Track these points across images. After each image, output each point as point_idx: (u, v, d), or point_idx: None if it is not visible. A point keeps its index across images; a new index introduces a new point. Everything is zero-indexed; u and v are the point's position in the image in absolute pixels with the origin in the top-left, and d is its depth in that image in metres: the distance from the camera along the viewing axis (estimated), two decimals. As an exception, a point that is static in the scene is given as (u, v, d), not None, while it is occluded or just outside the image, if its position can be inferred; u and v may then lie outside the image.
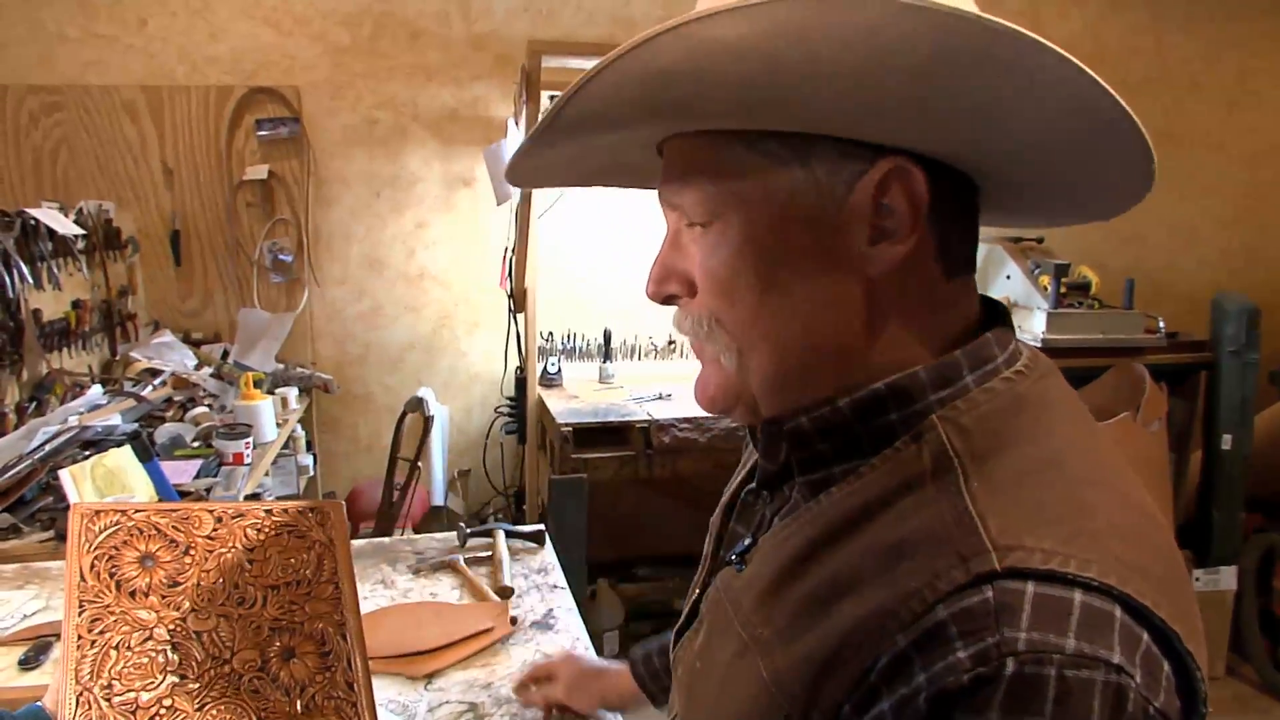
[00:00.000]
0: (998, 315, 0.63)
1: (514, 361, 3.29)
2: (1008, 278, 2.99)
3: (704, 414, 0.67)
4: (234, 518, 0.80)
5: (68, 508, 0.98)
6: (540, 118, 0.58)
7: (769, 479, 0.66)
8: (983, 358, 0.58)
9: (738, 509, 0.72)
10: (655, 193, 0.66)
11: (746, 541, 0.67)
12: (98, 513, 0.78)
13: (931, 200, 0.56)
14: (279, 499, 2.51)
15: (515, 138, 2.83)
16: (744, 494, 0.71)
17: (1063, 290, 2.83)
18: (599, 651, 1.28)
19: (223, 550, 0.79)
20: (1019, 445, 0.55)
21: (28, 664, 1.18)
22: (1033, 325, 2.82)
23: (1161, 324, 2.89)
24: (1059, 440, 0.56)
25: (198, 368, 2.80)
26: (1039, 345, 2.75)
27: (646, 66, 0.51)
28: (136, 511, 0.78)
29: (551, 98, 2.98)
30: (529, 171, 0.70)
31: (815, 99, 0.52)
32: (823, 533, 0.57)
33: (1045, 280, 2.85)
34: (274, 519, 0.80)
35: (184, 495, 1.92)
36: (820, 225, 0.57)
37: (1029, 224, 0.77)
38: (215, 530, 0.79)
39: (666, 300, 0.65)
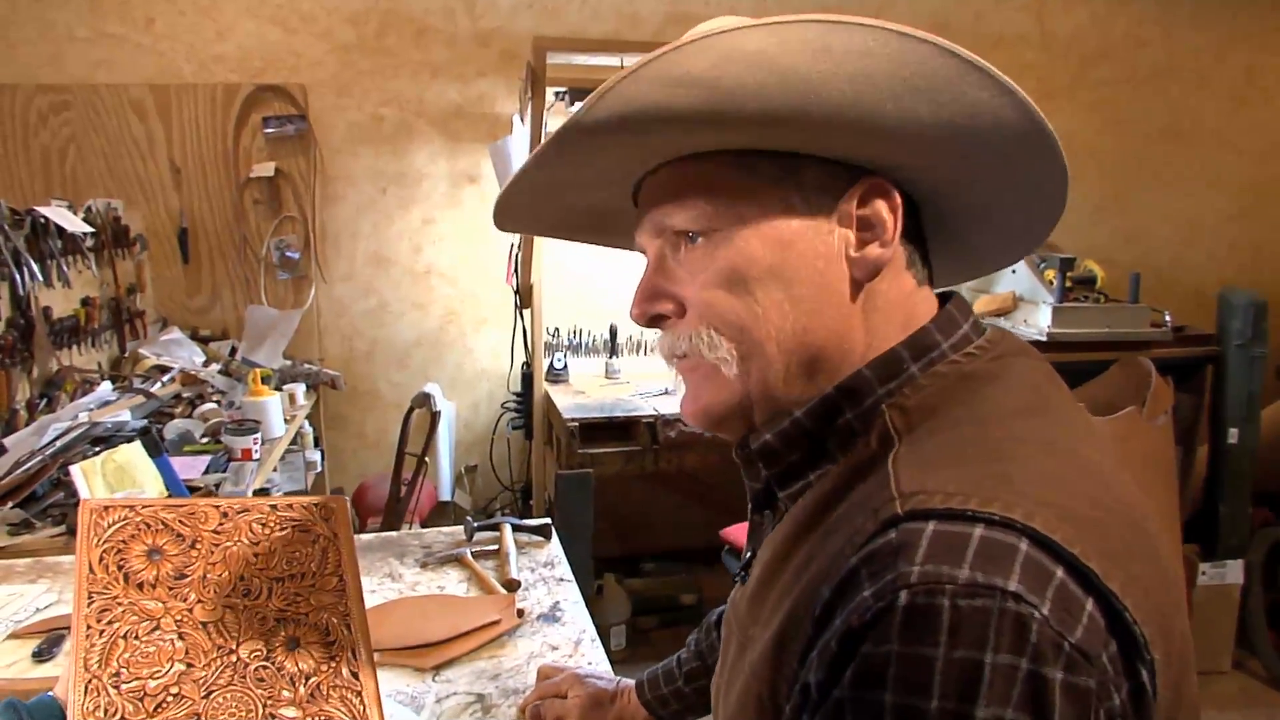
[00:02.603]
0: (946, 304, 0.66)
1: (520, 357, 3.30)
2: (1013, 272, 2.98)
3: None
4: (239, 513, 0.81)
5: (78, 503, 0.99)
6: (563, 121, 0.63)
7: (760, 499, 0.69)
8: (925, 346, 0.62)
9: (750, 531, 0.76)
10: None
11: (748, 555, 0.71)
12: (106, 508, 0.79)
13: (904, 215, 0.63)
14: (287, 494, 2.53)
15: (520, 134, 2.83)
16: (751, 515, 0.75)
17: (1068, 285, 2.82)
18: (605, 646, 1.28)
19: (229, 544, 0.80)
20: (947, 411, 0.58)
21: (41, 656, 1.20)
22: (1038, 319, 2.82)
23: (1168, 318, 2.88)
24: (990, 405, 0.59)
25: (206, 364, 2.82)
26: (1044, 339, 2.74)
27: (672, 71, 0.57)
28: (144, 507, 0.80)
29: (557, 94, 2.99)
30: (521, 205, 0.75)
31: (813, 115, 0.57)
32: (795, 530, 0.61)
33: (1051, 275, 2.85)
34: (279, 514, 0.82)
35: (193, 490, 1.94)
36: (812, 236, 0.62)
37: (972, 268, 0.80)
38: (221, 525, 0.81)
39: (653, 321, 0.68)
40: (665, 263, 0.67)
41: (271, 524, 0.82)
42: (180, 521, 0.80)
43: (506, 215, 0.76)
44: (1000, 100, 0.56)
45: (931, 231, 0.69)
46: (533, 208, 0.78)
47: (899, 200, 0.62)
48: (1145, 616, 0.50)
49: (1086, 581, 0.49)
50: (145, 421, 2.13)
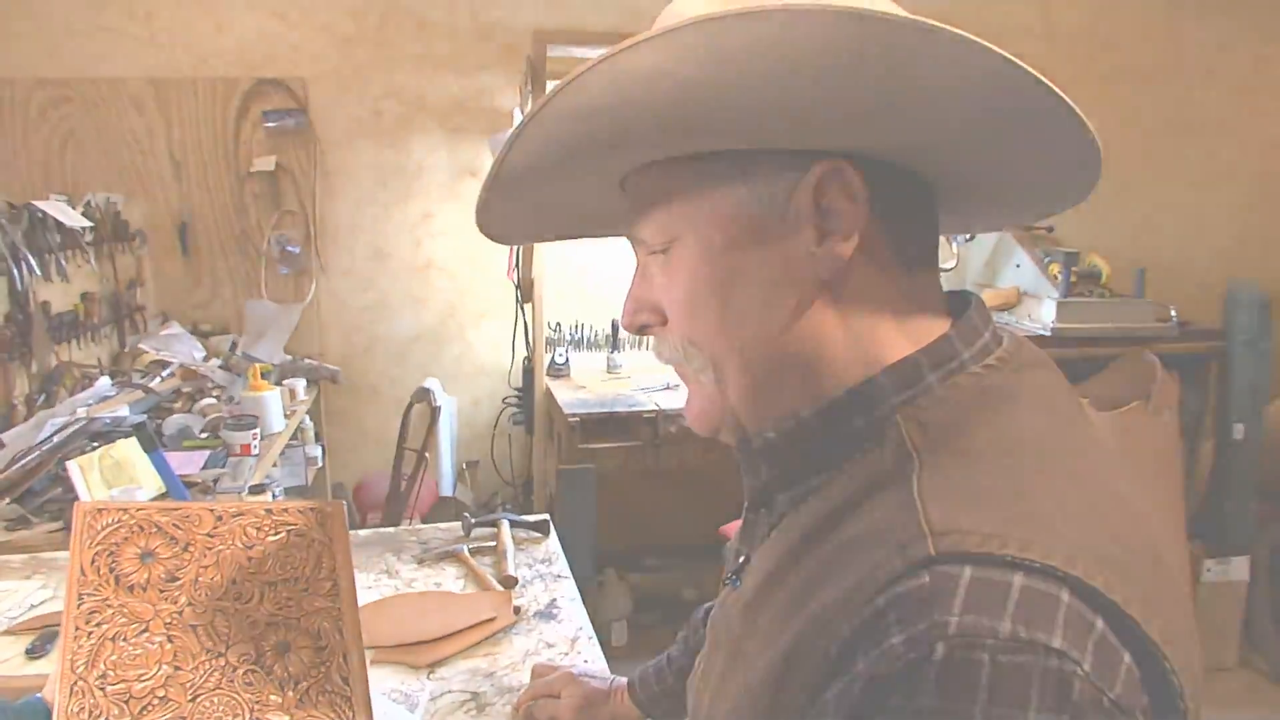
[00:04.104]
0: (968, 309, 0.62)
1: (521, 352, 3.29)
2: (1017, 266, 2.97)
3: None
4: (234, 516, 0.80)
5: (75, 499, 0.98)
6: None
7: (758, 496, 0.66)
8: (945, 355, 0.58)
9: (742, 529, 0.73)
10: None
11: (742, 559, 0.68)
12: (100, 510, 0.79)
13: (876, 198, 0.57)
14: (287, 490, 2.53)
15: (521, 128, 2.82)
16: (745, 513, 0.72)
17: (1073, 279, 2.81)
18: (606, 641, 1.28)
19: (222, 548, 0.80)
20: (973, 434, 0.55)
21: (34, 653, 1.20)
22: (1043, 314, 2.81)
23: (1173, 313, 2.87)
24: (1018, 428, 0.55)
25: (206, 359, 2.81)
26: (1048, 334, 2.73)
27: (575, 106, 0.54)
28: (138, 509, 0.79)
29: (557, 87, 2.97)
30: (507, 226, 0.72)
31: (735, 115, 0.54)
32: (797, 541, 0.58)
33: (1055, 269, 2.84)
34: (274, 518, 0.81)
35: (191, 486, 1.93)
36: (768, 234, 0.58)
37: (990, 223, 0.78)
38: (216, 528, 0.80)
39: (641, 330, 0.67)
40: (647, 270, 0.65)
41: (266, 528, 0.81)
42: (174, 525, 0.79)
43: (501, 232, 0.73)
44: (934, 43, 0.49)
45: (956, 191, 0.64)
46: (530, 223, 0.75)
47: (859, 184, 0.56)
48: (1181, 664, 0.48)
49: (1125, 631, 0.47)
50: (142, 417, 2.13)
